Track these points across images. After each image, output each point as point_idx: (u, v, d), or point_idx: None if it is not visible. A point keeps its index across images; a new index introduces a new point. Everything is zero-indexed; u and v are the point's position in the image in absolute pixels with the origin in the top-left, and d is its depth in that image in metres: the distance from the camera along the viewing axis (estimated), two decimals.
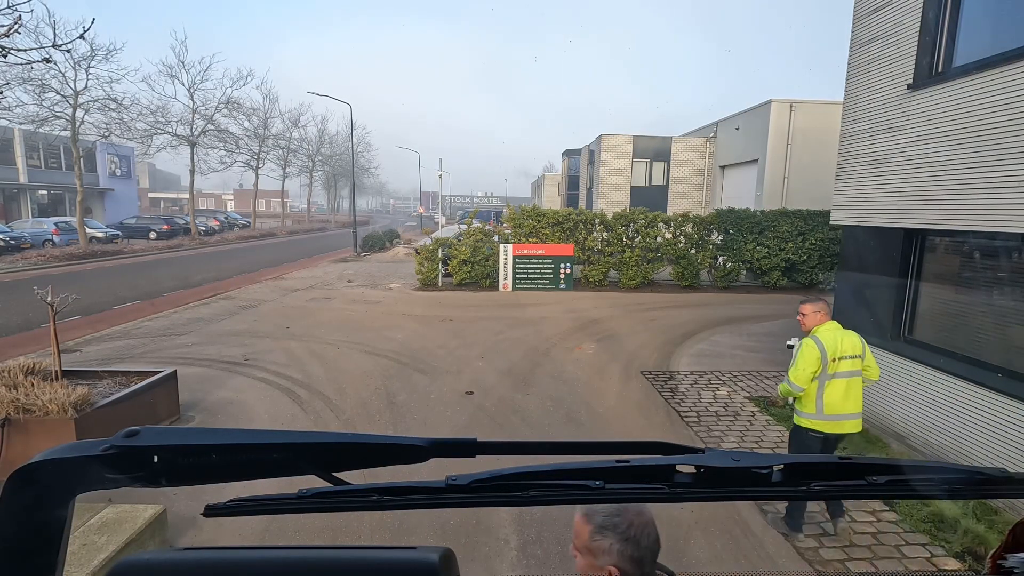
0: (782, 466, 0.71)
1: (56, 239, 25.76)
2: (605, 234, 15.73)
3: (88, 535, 3.25)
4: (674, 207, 23.62)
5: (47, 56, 6.28)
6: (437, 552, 0.62)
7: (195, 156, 30.73)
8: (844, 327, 3.98)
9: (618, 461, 0.71)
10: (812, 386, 3.79)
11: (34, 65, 10.25)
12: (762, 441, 5.72)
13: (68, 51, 18.18)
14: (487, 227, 16.46)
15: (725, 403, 6.76)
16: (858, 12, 6.42)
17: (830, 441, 3.89)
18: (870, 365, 3.88)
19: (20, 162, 32.24)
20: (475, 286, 15.55)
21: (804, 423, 3.89)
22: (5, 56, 5.87)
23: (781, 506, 4.22)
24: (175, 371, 5.97)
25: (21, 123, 22.88)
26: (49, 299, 5.15)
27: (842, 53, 6.69)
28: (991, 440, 4.54)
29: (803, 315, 3.99)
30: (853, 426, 3.85)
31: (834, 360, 3.75)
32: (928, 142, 5.37)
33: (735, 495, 0.70)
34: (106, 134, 24.66)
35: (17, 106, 20.86)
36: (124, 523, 3.39)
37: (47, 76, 20.67)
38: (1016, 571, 0.77)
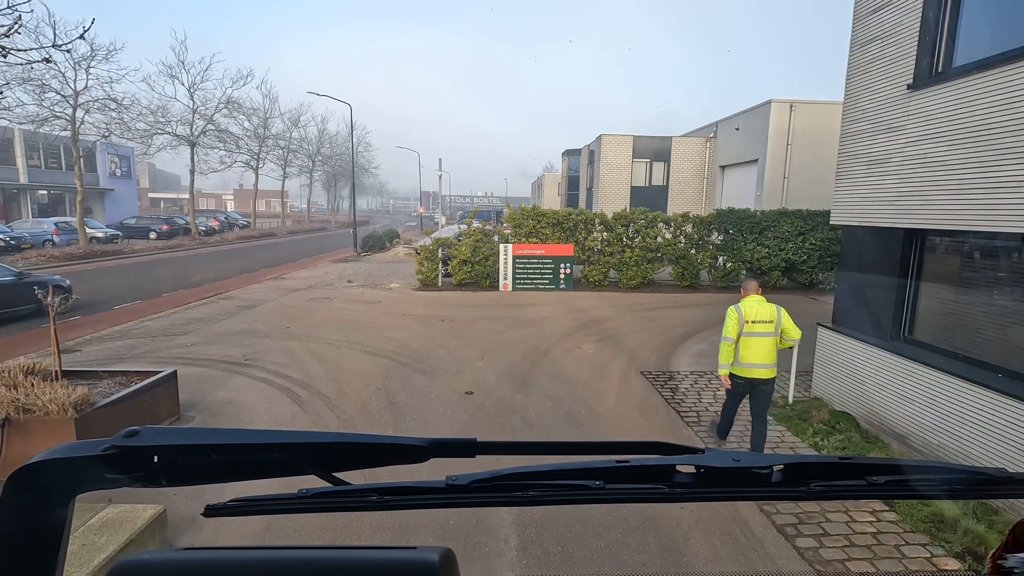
0: (782, 466, 0.71)
1: (56, 239, 25.76)
2: (605, 234, 15.73)
3: (88, 535, 3.26)
4: (674, 207, 23.63)
5: (47, 56, 6.28)
6: (437, 552, 0.62)
7: (195, 156, 30.76)
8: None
9: (618, 461, 0.71)
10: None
11: (34, 65, 10.25)
12: None
13: (68, 51, 18.21)
14: (487, 227, 16.44)
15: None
16: (858, 12, 6.42)
17: (752, 384, 5.08)
18: (787, 328, 5.06)
19: (20, 162, 32.25)
20: (475, 286, 15.56)
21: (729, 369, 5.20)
22: (5, 56, 5.87)
23: (781, 505, 4.23)
24: (175, 371, 5.97)
25: (21, 123, 22.89)
26: (49, 299, 5.15)
27: (842, 54, 6.70)
28: (991, 440, 4.54)
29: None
30: (762, 373, 5.02)
31: (749, 322, 5.02)
32: (928, 142, 5.37)
33: (735, 495, 0.70)
34: (106, 134, 24.66)
35: (17, 106, 20.90)
36: (124, 523, 3.39)
37: (47, 76, 20.69)
38: (1016, 571, 0.77)
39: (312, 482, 0.70)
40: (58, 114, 22.06)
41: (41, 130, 22.96)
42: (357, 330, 10.22)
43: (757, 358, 4.99)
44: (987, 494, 0.75)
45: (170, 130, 29.02)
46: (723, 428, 5.49)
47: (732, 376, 5.13)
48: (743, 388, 5.14)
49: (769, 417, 6.29)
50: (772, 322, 5.01)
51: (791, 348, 5.20)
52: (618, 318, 11.70)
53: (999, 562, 0.80)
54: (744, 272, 15.91)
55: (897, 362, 5.63)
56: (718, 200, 23.43)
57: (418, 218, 62.50)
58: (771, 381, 5.09)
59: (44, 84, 20.84)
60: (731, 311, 5.12)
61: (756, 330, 4.99)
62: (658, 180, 26.05)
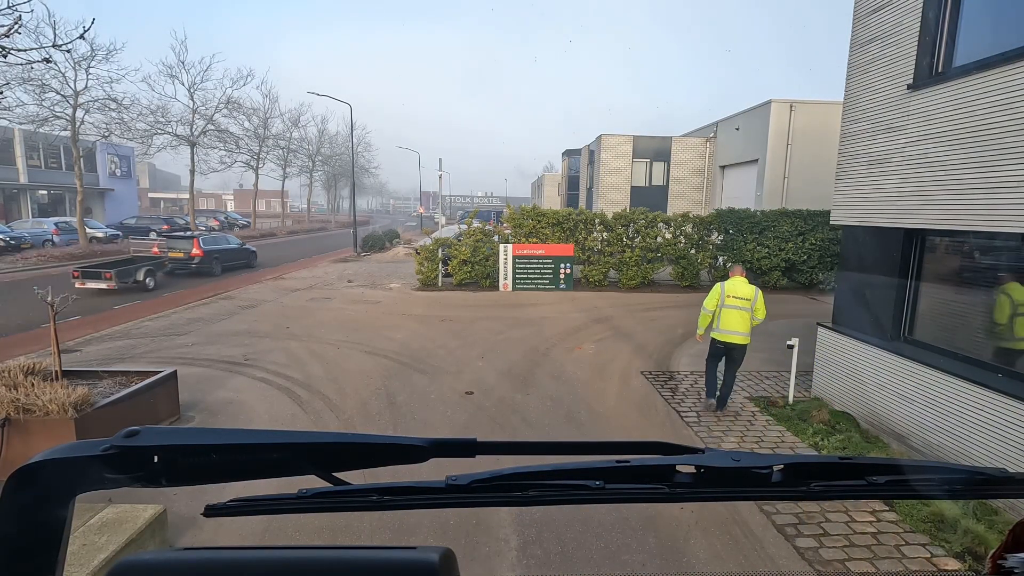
0: (782, 466, 0.71)
1: (56, 239, 25.74)
2: (605, 234, 15.72)
3: (88, 535, 3.26)
4: (674, 207, 23.63)
5: (47, 56, 6.28)
6: (437, 552, 0.62)
7: (195, 156, 30.69)
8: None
9: (618, 461, 0.71)
10: (717, 311, 6.21)
11: (34, 65, 10.25)
12: (762, 441, 5.73)
13: (68, 51, 18.16)
14: (487, 227, 16.43)
15: None
16: (858, 12, 6.42)
17: (728, 348, 6.21)
18: (758, 307, 6.13)
19: (20, 162, 32.21)
20: (475, 286, 15.55)
21: (711, 334, 6.33)
22: (5, 56, 5.87)
23: (781, 505, 4.23)
24: (175, 371, 5.97)
25: (21, 123, 22.83)
26: (49, 299, 5.15)
27: (842, 54, 6.70)
28: (991, 440, 4.54)
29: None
30: (738, 339, 6.15)
31: (728, 296, 6.15)
32: (928, 142, 5.37)
33: (735, 495, 0.70)
34: (106, 134, 24.60)
35: (17, 106, 20.84)
36: (124, 523, 3.39)
37: (47, 76, 20.64)
38: (1016, 571, 0.77)
39: (312, 482, 0.70)
40: (58, 114, 22.02)
41: (41, 130, 22.92)
42: (357, 330, 10.22)
43: (734, 326, 6.12)
44: (987, 494, 0.75)
45: (170, 130, 28.94)
46: (709, 385, 6.44)
47: (712, 340, 6.29)
48: (721, 351, 6.27)
49: (769, 417, 6.32)
50: (749, 300, 6.11)
51: (758, 326, 6.31)
52: (618, 318, 11.70)
53: (999, 562, 0.80)
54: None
55: (897, 362, 5.63)
56: (718, 200, 23.42)
57: (418, 218, 62.48)
58: (744, 347, 6.22)
59: (44, 84, 20.80)
60: (716, 286, 6.29)
61: (734, 304, 6.12)
62: (658, 180, 26.04)
